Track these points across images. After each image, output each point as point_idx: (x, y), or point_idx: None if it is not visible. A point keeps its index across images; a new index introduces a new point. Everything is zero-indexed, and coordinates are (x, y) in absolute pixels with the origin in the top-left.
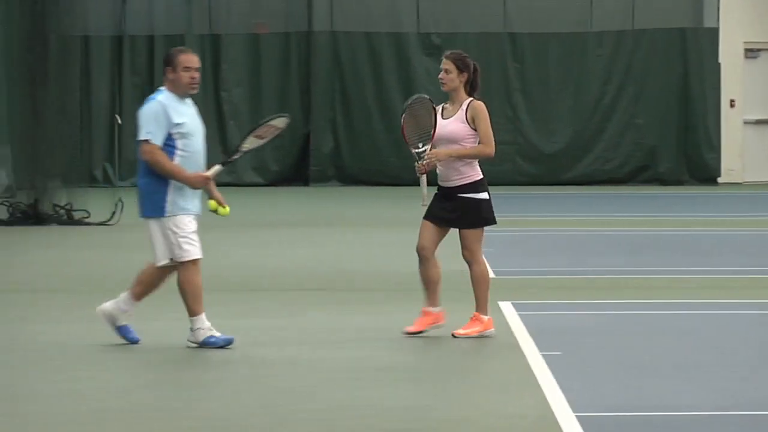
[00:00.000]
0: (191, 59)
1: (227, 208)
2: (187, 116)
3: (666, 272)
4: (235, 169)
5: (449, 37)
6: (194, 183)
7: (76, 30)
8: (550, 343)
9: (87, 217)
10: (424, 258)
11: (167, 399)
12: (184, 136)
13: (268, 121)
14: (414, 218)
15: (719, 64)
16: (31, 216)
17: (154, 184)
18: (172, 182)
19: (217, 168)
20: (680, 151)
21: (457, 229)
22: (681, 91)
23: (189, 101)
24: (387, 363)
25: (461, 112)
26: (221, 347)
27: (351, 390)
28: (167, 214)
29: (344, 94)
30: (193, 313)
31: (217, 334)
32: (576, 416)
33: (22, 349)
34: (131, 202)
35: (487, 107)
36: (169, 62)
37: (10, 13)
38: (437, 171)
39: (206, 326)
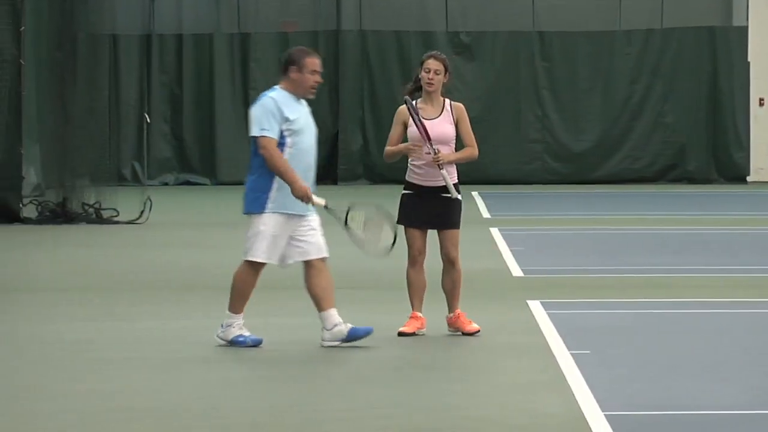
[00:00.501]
0: (318, 63)
1: None
2: (299, 114)
3: (696, 271)
4: None
5: (478, 36)
6: (296, 190)
7: (105, 29)
8: (579, 342)
9: (116, 216)
10: (420, 264)
11: (193, 399)
12: (294, 133)
13: (380, 214)
14: None
15: (748, 62)
16: (59, 215)
17: (260, 182)
18: (276, 181)
19: (322, 201)
20: (709, 150)
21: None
22: (710, 89)
23: (303, 101)
24: (413, 361)
25: (447, 114)
26: (249, 347)
27: (377, 389)
28: (267, 211)
29: (373, 93)
30: (231, 308)
31: (247, 333)
32: (605, 415)
33: (50, 347)
34: (159, 201)
35: (503, 107)
36: (295, 62)
37: (40, 12)
38: (416, 171)
39: (237, 325)
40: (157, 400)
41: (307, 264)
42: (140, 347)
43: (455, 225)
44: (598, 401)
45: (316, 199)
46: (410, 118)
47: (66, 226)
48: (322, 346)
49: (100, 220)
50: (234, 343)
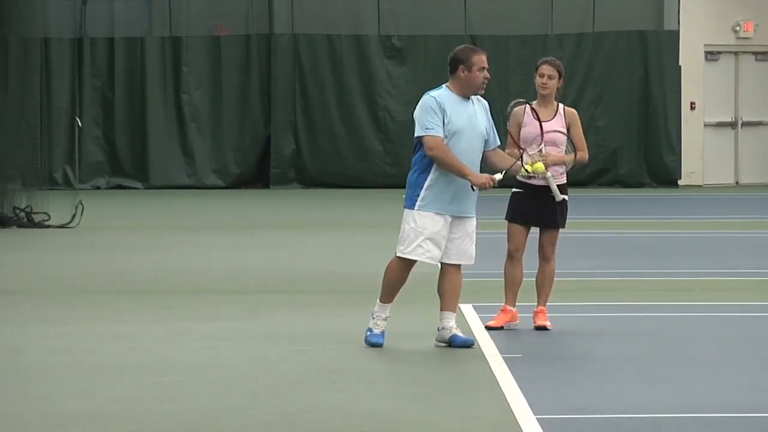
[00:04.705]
0: (485, 59)
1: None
2: (460, 114)
3: (627, 274)
4: (195, 172)
5: (410, 40)
6: (477, 182)
7: (36, 32)
8: (511, 345)
9: (47, 220)
10: (516, 259)
11: (126, 404)
12: (450, 134)
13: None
14: (375, 220)
15: (680, 66)
16: None
17: (417, 179)
18: (429, 180)
19: (498, 176)
20: (641, 154)
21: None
22: (642, 93)
23: (470, 102)
24: (349, 366)
25: (560, 118)
26: (368, 345)
27: (314, 393)
28: (416, 208)
29: (305, 97)
30: (379, 297)
31: (378, 331)
32: (537, 418)
33: None
34: (91, 205)
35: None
36: (463, 61)
37: None
38: (528, 171)
39: (378, 316)
40: (90, 405)
41: (442, 264)
42: (73, 352)
43: (556, 225)
44: (530, 404)
45: (497, 177)
46: (524, 118)
47: None
48: (435, 346)
49: (31, 224)
50: (365, 339)
